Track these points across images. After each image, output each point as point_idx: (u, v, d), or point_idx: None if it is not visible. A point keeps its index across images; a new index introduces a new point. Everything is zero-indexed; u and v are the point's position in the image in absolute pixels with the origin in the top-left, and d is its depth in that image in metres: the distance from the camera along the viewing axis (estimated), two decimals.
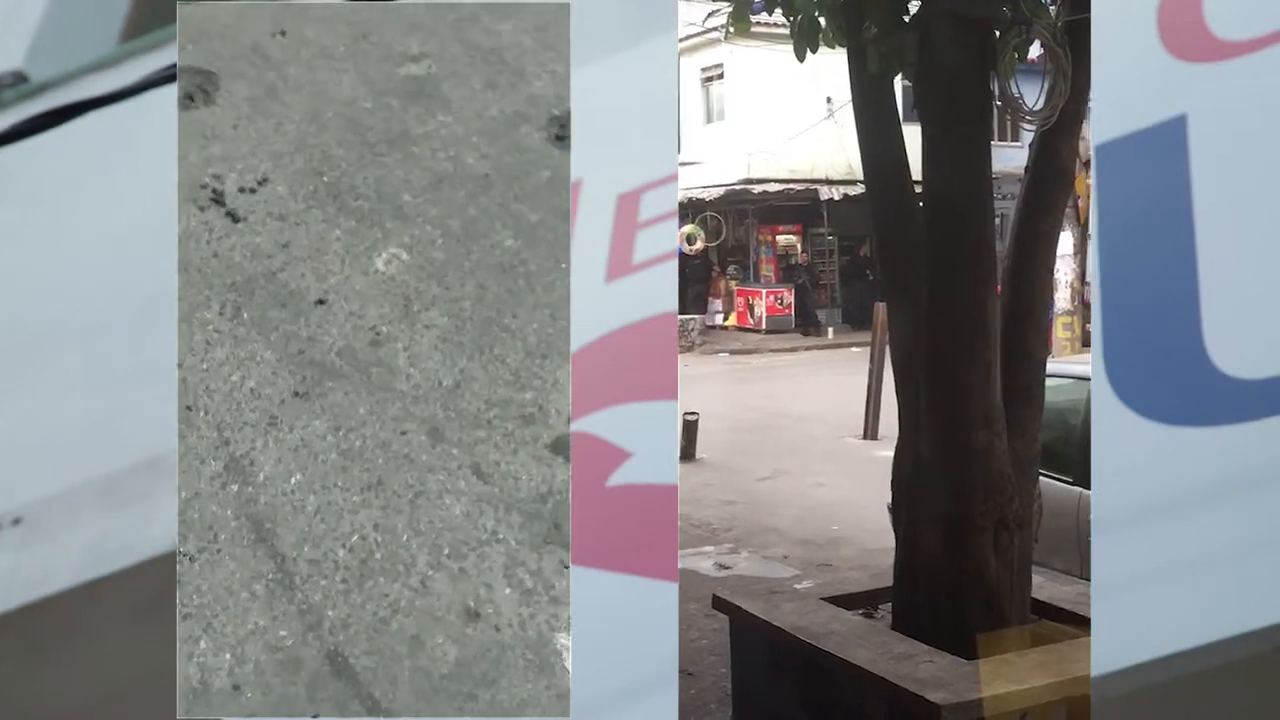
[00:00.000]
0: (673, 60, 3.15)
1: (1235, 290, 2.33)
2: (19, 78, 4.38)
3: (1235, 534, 2.17)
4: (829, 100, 20.63)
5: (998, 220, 4.83)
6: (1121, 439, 2.33)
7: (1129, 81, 2.57)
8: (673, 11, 3.20)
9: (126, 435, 3.27)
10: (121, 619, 3.09)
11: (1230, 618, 2.10)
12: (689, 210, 24.79)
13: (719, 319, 25.40)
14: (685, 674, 5.56)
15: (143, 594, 3.04)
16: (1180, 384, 2.33)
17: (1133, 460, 2.31)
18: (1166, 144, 2.45)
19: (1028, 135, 4.79)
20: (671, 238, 2.90)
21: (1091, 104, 2.60)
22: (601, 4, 3.06)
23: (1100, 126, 2.54)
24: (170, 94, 2.25)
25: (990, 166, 4.51)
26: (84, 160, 3.51)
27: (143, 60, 4.03)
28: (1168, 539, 2.21)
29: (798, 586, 6.29)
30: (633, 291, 2.80)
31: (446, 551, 2.51)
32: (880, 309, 10.67)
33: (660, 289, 2.82)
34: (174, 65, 2.32)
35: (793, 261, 25.82)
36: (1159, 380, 2.36)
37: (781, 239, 26.21)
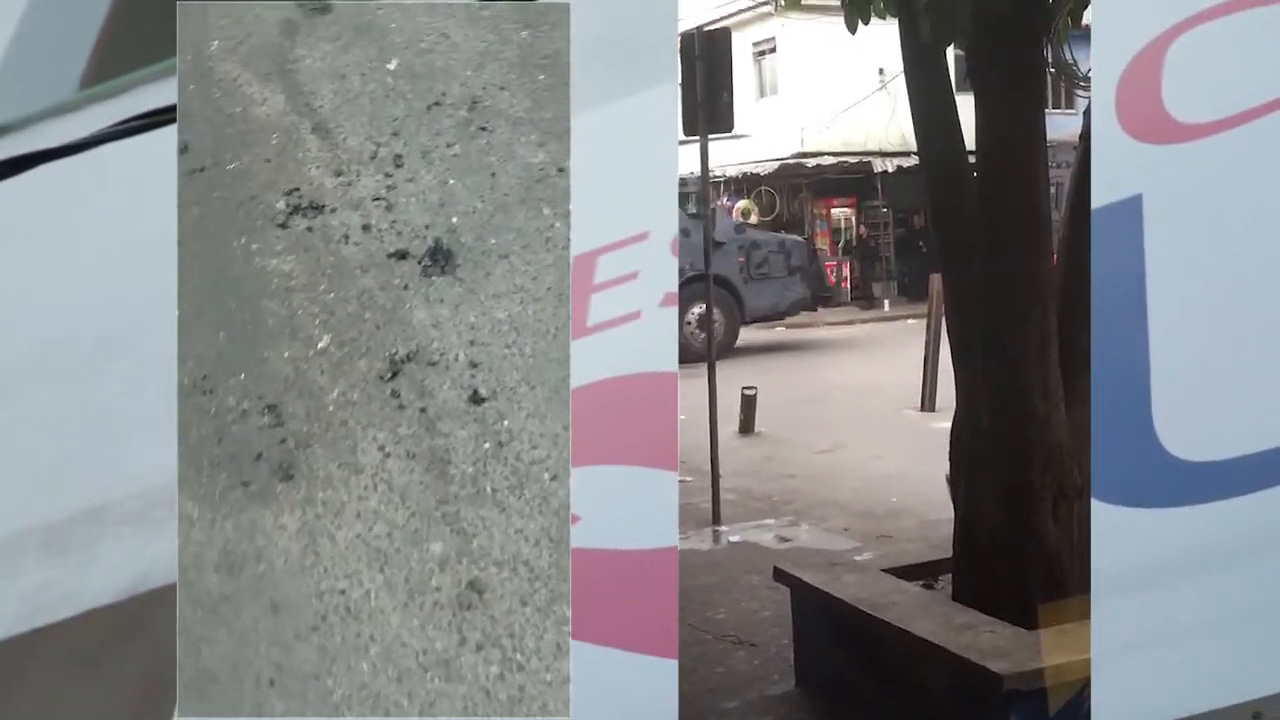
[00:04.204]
0: (650, 123, 3.00)
1: (1185, 373, 2.33)
2: None
3: (1194, 613, 2.22)
4: (881, 71, 20.45)
5: (1053, 189, 4.79)
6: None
7: (1097, 157, 2.54)
8: (671, 69, 3.08)
9: (71, 483, 3.18)
10: (61, 671, 3.00)
11: (1193, 693, 2.15)
12: (743, 185, 24.72)
13: None
14: (748, 645, 5.59)
15: (83, 645, 2.95)
16: (1129, 466, 2.33)
17: (1095, 540, 2.33)
18: (1122, 223, 2.43)
19: (1083, 102, 4.75)
20: (638, 298, 2.77)
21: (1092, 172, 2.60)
22: (586, 64, 2.93)
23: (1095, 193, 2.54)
24: (128, 145, 2.11)
25: (1045, 134, 4.48)
26: (36, 206, 3.37)
27: (103, 106, 3.90)
28: (1129, 616, 2.26)
29: (858, 558, 6.27)
30: (589, 354, 2.71)
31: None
32: (936, 280, 10.61)
33: (630, 349, 2.73)
34: (132, 118, 2.17)
35: (848, 238, 25.68)
36: (1109, 462, 2.35)
37: (836, 212, 26.08)
